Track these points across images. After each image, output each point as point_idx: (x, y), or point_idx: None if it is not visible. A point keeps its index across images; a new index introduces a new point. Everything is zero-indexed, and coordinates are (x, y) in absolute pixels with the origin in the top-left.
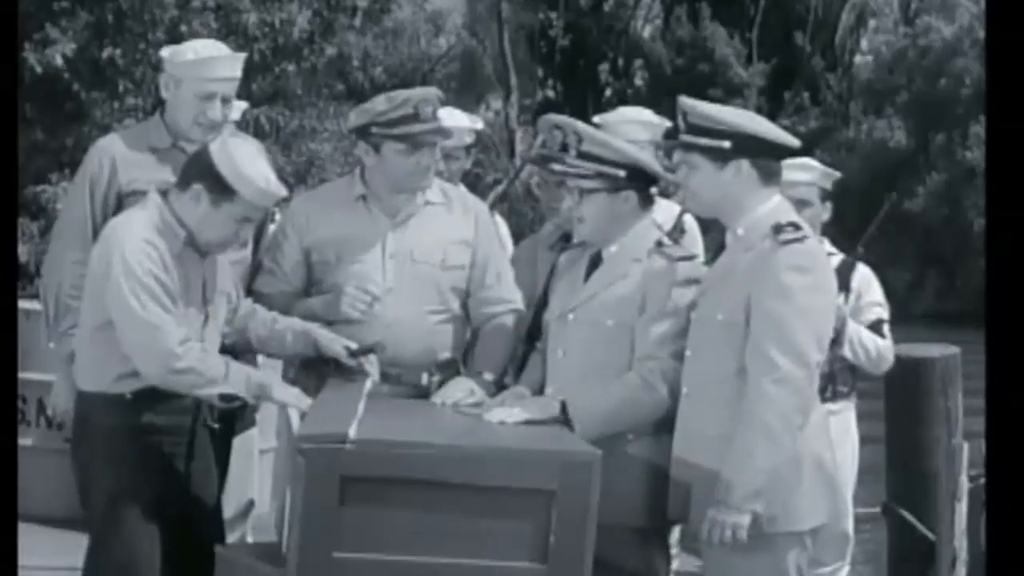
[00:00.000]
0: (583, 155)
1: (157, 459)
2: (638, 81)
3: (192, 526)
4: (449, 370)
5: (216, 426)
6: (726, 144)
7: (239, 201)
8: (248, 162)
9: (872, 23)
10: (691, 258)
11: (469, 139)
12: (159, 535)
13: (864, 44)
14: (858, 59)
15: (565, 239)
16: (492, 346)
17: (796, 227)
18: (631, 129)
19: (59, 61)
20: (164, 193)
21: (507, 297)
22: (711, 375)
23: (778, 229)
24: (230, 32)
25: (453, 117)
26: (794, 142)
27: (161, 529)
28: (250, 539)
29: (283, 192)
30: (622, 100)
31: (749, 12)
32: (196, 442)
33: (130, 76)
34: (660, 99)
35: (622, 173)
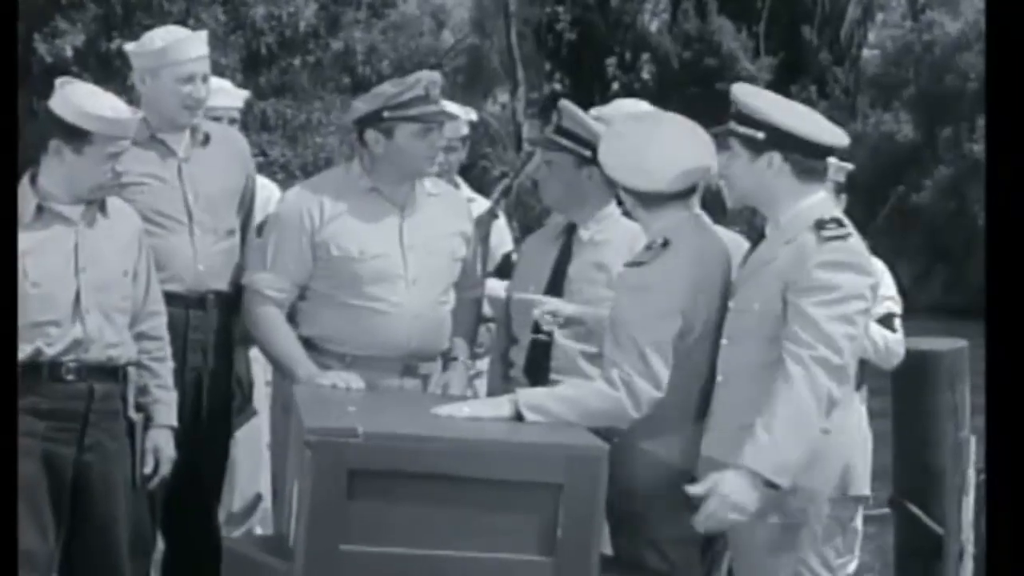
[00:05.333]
0: None
1: (39, 444)
2: (645, 75)
3: (94, 520)
4: (444, 359)
5: (136, 417)
6: (760, 135)
7: (97, 139)
8: (88, 99)
9: (880, 17)
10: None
11: (465, 130)
12: (43, 526)
13: (871, 38)
14: (865, 53)
15: (569, 230)
16: (467, 327)
17: (840, 223)
18: None
19: (68, 52)
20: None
21: (478, 280)
22: (746, 363)
23: (820, 225)
24: (238, 25)
25: (453, 107)
26: (838, 142)
27: (48, 520)
28: (259, 532)
29: (136, 115)
30: (629, 94)
31: (756, 6)
32: (89, 430)
33: None
34: (667, 93)
35: None
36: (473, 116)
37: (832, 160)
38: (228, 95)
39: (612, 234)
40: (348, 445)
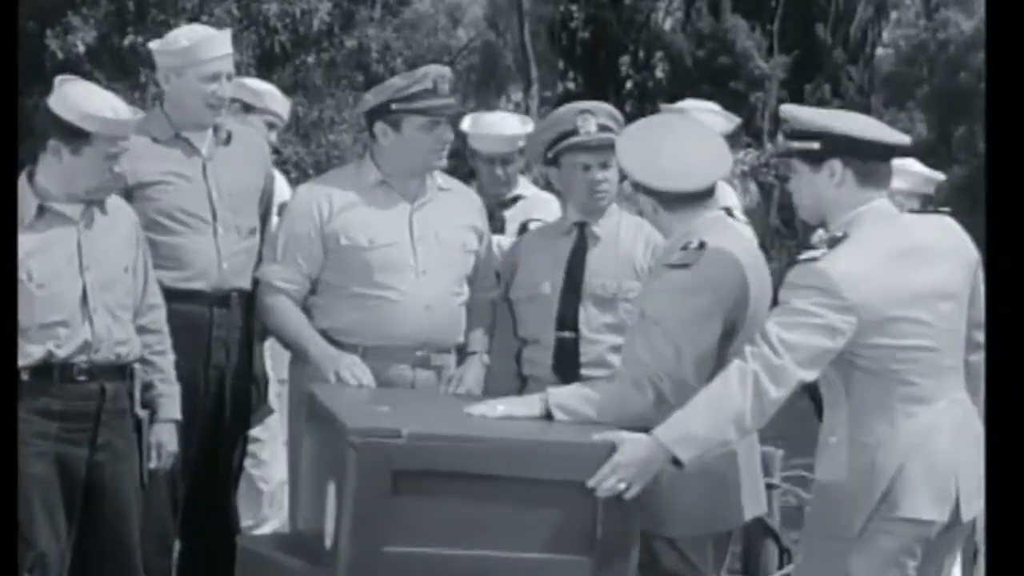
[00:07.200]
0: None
1: (52, 446)
2: (659, 73)
3: (106, 519)
4: (460, 353)
5: (142, 413)
6: (815, 145)
7: (96, 140)
8: (87, 99)
9: (893, 15)
10: None
11: (523, 143)
12: (56, 528)
13: (885, 36)
14: (879, 52)
15: (580, 227)
16: (483, 324)
17: (832, 242)
18: (705, 119)
19: (81, 49)
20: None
21: (494, 282)
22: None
23: (826, 242)
24: (251, 22)
25: (509, 122)
26: (899, 140)
27: (61, 520)
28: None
29: (135, 116)
30: (643, 92)
31: (770, 4)
32: (101, 430)
33: (152, 64)
34: (681, 91)
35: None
36: (530, 127)
37: (922, 170)
38: (283, 105)
39: (622, 227)
40: (392, 446)
